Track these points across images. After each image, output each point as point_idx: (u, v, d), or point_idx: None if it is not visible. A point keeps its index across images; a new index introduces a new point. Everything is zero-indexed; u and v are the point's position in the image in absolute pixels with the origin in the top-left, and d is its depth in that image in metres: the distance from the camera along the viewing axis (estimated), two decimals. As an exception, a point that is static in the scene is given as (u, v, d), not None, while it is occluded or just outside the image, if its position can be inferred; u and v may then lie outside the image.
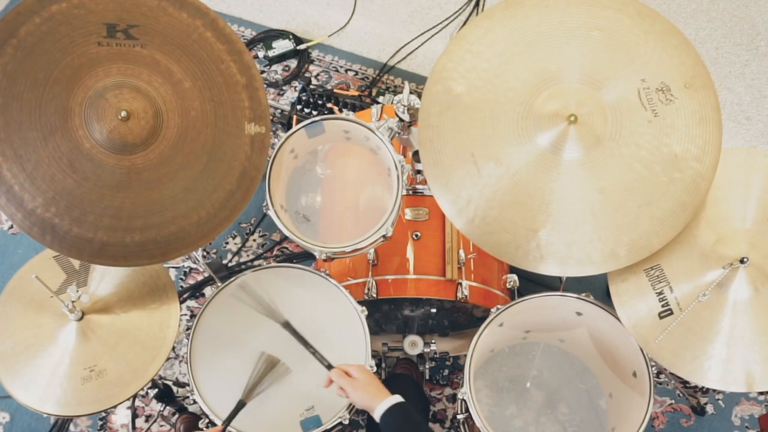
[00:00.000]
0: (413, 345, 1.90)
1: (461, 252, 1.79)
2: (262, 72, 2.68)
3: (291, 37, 2.70)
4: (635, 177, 1.38)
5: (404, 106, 1.65)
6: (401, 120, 1.67)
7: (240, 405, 1.47)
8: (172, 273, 2.34)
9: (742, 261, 1.36)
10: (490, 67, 1.44)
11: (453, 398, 2.15)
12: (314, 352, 1.48)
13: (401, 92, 1.70)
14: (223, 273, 1.85)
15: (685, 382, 2.08)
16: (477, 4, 2.83)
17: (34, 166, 1.26)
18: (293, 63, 2.71)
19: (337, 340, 1.61)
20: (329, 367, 1.46)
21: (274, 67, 2.71)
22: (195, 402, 1.55)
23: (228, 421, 1.45)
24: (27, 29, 1.28)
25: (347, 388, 1.39)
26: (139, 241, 1.31)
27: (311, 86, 2.53)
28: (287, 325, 1.51)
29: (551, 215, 1.38)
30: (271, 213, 1.58)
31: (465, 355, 1.58)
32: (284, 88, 2.65)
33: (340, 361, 1.56)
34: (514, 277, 1.80)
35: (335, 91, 2.53)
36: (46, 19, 1.29)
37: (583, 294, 1.63)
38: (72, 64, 1.29)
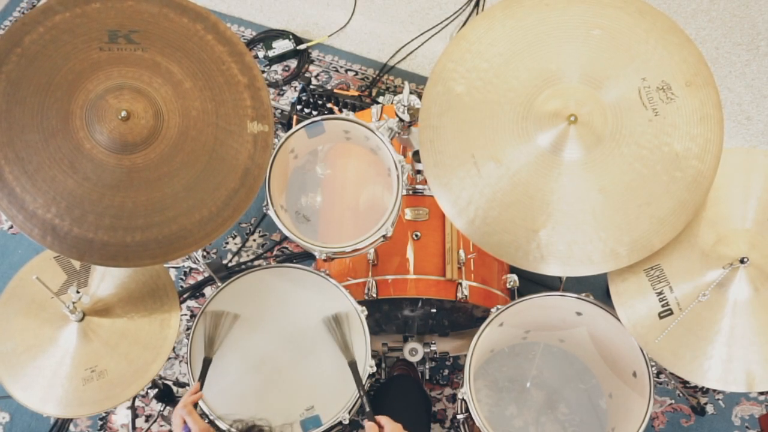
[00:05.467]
0: (413, 352, 1.89)
1: (461, 252, 1.79)
2: (262, 72, 2.68)
3: (291, 37, 2.70)
4: (636, 176, 1.38)
5: (404, 106, 1.65)
6: (401, 120, 1.67)
7: (206, 362, 1.54)
8: (172, 273, 2.34)
9: (742, 261, 1.36)
10: (490, 67, 1.44)
11: (453, 398, 2.15)
12: (362, 396, 1.51)
13: (401, 92, 1.70)
14: (223, 273, 1.85)
15: (685, 382, 2.08)
16: (477, 4, 2.83)
17: (36, 168, 1.27)
18: (293, 63, 2.71)
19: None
20: (369, 414, 1.47)
21: (274, 67, 2.71)
22: (195, 402, 1.55)
23: (201, 378, 1.51)
24: (31, 38, 1.30)
25: None
26: (140, 241, 1.31)
27: (311, 86, 2.53)
28: (353, 365, 1.56)
29: (551, 215, 1.38)
30: (271, 213, 1.58)
31: (465, 355, 1.58)
32: (284, 88, 2.65)
33: (340, 362, 1.57)
34: (514, 277, 1.80)
35: (335, 91, 2.53)
36: (49, 28, 1.31)
37: (583, 294, 1.63)
38: (74, 69, 1.31)
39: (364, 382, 1.54)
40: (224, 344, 1.60)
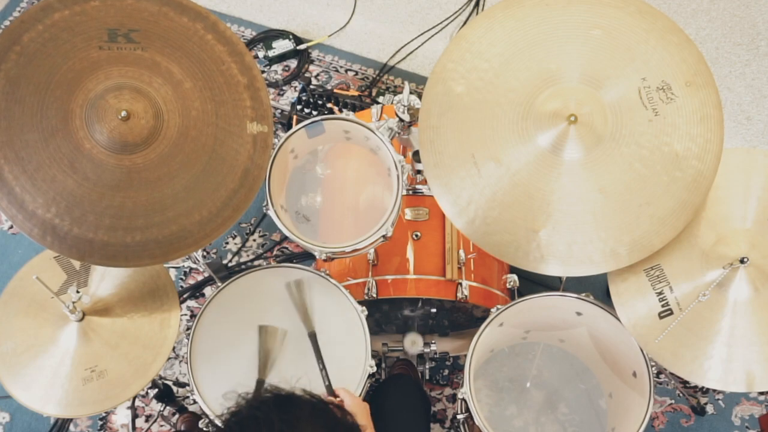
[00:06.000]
0: (413, 343, 1.90)
1: (461, 252, 1.79)
2: (262, 72, 2.68)
3: (291, 37, 2.70)
4: (636, 176, 1.38)
5: (404, 106, 1.65)
6: (401, 120, 1.67)
7: (260, 383, 1.51)
8: (172, 273, 2.34)
9: (742, 261, 1.36)
10: (490, 67, 1.44)
11: (453, 398, 2.15)
12: (322, 369, 1.51)
13: (401, 92, 1.70)
14: (223, 273, 1.85)
15: (685, 382, 2.08)
16: (477, 4, 2.83)
17: (35, 168, 1.26)
18: (293, 63, 2.71)
19: (337, 340, 1.60)
20: (328, 388, 1.48)
21: (274, 67, 2.71)
22: (195, 402, 1.55)
23: None
24: (30, 36, 1.29)
25: None
26: (140, 241, 1.30)
27: (311, 86, 2.53)
28: (312, 336, 1.55)
29: (552, 215, 1.38)
30: (271, 213, 1.58)
31: (465, 355, 1.58)
32: (284, 88, 2.65)
33: (340, 362, 1.56)
34: (514, 277, 1.80)
35: (335, 91, 2.53)
36: (48, 26, 1.30)
37: (583, 294, 1.63)
38: (73, 68, 1.30)
39: (364, 382, 1.54)
40: (225, 345, 1.59)
